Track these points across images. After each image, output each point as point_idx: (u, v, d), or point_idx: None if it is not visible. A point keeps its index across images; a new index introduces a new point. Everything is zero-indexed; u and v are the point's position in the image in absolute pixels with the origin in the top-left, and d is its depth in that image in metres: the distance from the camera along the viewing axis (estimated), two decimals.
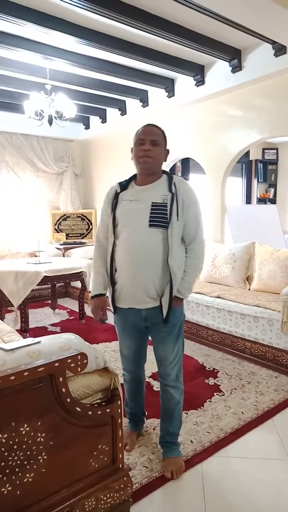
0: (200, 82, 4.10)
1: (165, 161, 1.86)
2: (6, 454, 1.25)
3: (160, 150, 1.79)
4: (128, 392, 2.09)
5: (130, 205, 1.79)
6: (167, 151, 1.86)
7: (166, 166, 5.09)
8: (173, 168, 5.58)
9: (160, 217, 1.73)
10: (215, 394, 2.63)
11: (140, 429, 2.17)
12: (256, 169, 6.62)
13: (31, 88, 4.26)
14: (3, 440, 1.24)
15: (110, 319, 1.99)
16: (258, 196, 6.67)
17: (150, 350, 1.99)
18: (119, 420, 1.56)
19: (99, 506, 1.50)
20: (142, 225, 1.74)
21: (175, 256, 1.74)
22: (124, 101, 5.09)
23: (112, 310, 1.92)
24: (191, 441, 2.11)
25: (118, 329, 1.99)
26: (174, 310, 1.80)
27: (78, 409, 1.42)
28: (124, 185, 1.87)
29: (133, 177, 1.90)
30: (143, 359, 2.05)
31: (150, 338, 1.96)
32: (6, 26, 3.10)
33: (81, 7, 2.74)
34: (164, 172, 1.87)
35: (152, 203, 1.75)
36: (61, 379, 1.35)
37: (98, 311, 1.92)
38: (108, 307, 1.94)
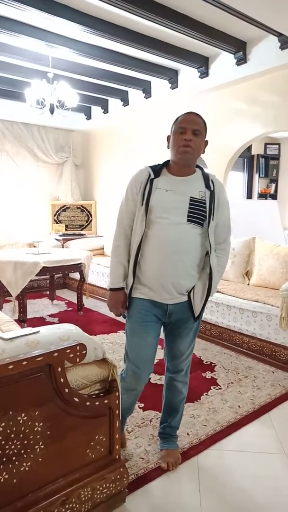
0: (204, 74, 4.05)
1: (204, 152, 1.76)
2: (3, 442, 1.25)
3: (201, 141, 1.69)
4: (128, 403, 1.86)
5: (167, 195, 1.66)
6: (206, 142, 1.75)
7: (168, 159, 5.07)
8: None
9: (198, 213, 1.65)
10: (212, 387, 2.64)
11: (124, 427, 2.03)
12: (258, 164, 6.58)
13: (33, 76, 4.20)
14: (1, 429, 1.24)
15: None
16: (259, 191, 6.65)
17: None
18: (117, 411, 1.56)
19: (95, 496, 1.51)
20: (180, 219, 1.64)
21: (214, 255, 1.72)
22: (127, 91, 5.03)
23: (127, 303, 1.76)
24: (188, 434, 2.11)
25: (135, 325, 1.75)
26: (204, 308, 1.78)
27: (76, 399, 1.41)
28: (157, 171, 1.71)
29: (165, 163, 1.76)
30: (153, 360, 1.82)
31: (163, 334, 1.87)
32: (9, 11, 3.04)
33: None
34: (197, 166, 1.77)
35: (191, 197, 1.66)
36: (59, 369, 1.35)
37: (119, 305, 1.77)
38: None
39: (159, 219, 1.65)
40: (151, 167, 1.74)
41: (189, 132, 1.64)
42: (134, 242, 1.70)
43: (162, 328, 1.84)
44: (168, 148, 1.73)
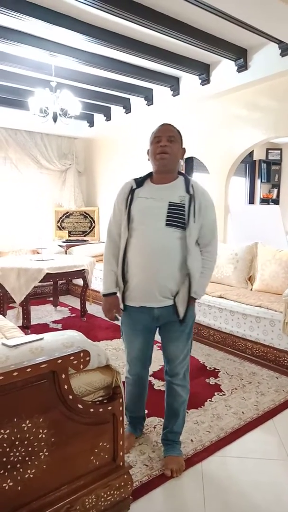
0: (205, 81, 4.09)
1: (182, 159, 1.87)
2: (7, 449, 1.26)
3: (177, 147, 1.80)
4: (131, 395, 2.04)
5: (147, 202, 1.77)
6: (184, 150, 1.87)
7: None
8: None
9: (177, 217, 1.72)
10: (215, 393, 2.63)
11: (139, 432, 2.14)
12: (260, 169, 6.59)
13: (36, 84, 4.25)
14: (5, 436, 1.25)
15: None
16: (261, 197, 6.65)
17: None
18: (121, 418, 1.56)
19: (99, 503, 1.51)
20: (158, 224, 1.72)
21: (194, 257, 1.75)
22: (129, 99, 5.08)
23: (122, 308, 1.88)
24: (191, 440, 2.11)
25: (126, 329, 1.92)
26: (189, 309, 1.80)
27: (80, 406, 1.42)
28: (139, 182, 1.84)
29: (149, 175, 1.88)
30: (150, 360, 2.01)
31: (159, 337, 1.94)
32: (11, 21, 3.09)
33: (87, 4, 2.73)
34: (180, 173, 1.87)
35: (170, 202, 1.74)
36: (63, 376, 1.36)
37: (112, 309, 1.89)
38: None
39: (140, 225, 1.76)
40: (135, 179, 1.87)
41: (164, 139, 1.76)
42: (120, 249, 1.81)
43: (158, 332, 1.92)
44: (149, 160, 1.84)
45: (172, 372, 1.91)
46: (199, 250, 1.82)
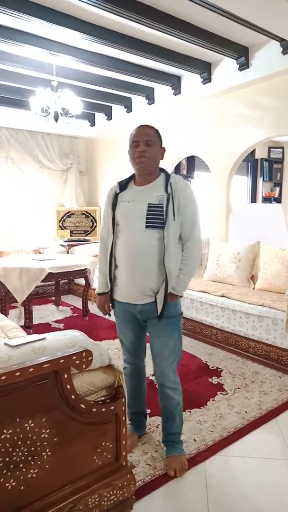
0: (207, 79, 4.07)
1: (162, 159, 1.90)
2: (10, 449, 1.26)
3: (155, 149, 1.83)
4: (129, 388, 2.07)
5: (128, 206, 1.84)
6: (163, 149, 1.90)
7: (172, 164, 5.09)
8: (178, 166, 5.56)
9: (156, 218, 1.77)
10: (218, 393, 2.63)
11: (141, 431, 2.15)
12: (262, 167, 6.58)
13: (37, 84, 4.25)
14: (8, 436, 1.25)
15: (111, 316, 2.02)
16: (263, 195, 6.64)
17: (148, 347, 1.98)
18: (123, 418, 1.56)
19: (102, 503, 1.51)
20: (139, 227, 1.78)
21: (171, 256, 1.78)
22: (130, 98, 5.07)
23: (111, 303, 1.99)
24: (194, 440, 2.11)
25: (117, 322, 2.04)
26: (169, 305, 1.82)
27: (82, 406, 1.42)
28: (123, 185, 1.91)
29: (133, 176, 1.93)
30: (143, 351, 2.07)
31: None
32: (12, 21, 3.09)
33: (88, 3, 2.73)
34: (162, 170, 1.89)
35: (149, 204, 1.79)
36: (66, 375, 1.35)
37: (104, 306, 2.02)
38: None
39: (122, 228, 1.85)
40: (119, 182, 1.94)
41: (142, 144, 1.80)
42: (108, 250, 1.91)
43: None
44: (129, 161, 1.88)
45: (160, 373, 1.92)
46: (180, 247, 1.84)
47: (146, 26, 3.04)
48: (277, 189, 6.80)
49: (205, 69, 4.02)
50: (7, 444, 1.25)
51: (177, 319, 1.91)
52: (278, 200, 6.75)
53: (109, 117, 5.53)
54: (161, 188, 1.81)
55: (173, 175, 1.86)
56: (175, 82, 4.37)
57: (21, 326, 3.01)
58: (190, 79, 4.26)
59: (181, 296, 1.91)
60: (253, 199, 6.66)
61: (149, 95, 4.73)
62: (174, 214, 1.76)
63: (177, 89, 4.40)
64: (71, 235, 6.18)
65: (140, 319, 1.92)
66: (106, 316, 2.10)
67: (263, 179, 6.60)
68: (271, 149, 6.69)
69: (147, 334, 1.98)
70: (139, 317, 1.91)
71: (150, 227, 1.77)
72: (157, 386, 1.99)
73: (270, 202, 6.59)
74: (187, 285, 1.88)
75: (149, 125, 1.87)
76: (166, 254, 1.76)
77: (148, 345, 2.02)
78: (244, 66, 3.71)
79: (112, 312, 2.04)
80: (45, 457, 1.35)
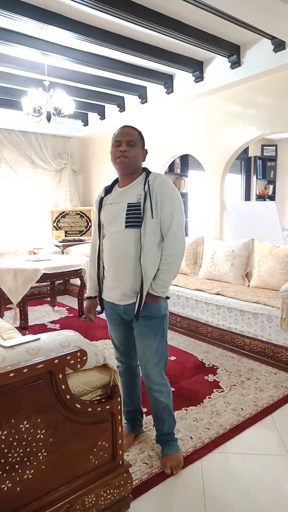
0: (199, 78, 4.08)
1: (144, 160, 1.90)
2: (5, 451, 1.25)
3: (137, 150, 1.83)
4: (124, 387, 2.05)
5: (111, 208, 1.86)
6: (145, 151, 1.91)
7: (165, 163, 5.10)
8: (172, 165, 5.56)
9: (134, 217, 1.77)
10: (214, 390, 2.64)
11: (138, 430, 2.14)
12: (255, 165, 6.60)
13: (29, 84, 4.23)
14: (3, 437, 1.24)
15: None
16: (257, 193, 6.66)
17: None
18: (119, 417, 1.56)
19: (99, 502, 1.51)
20: (119, 227, 1.80)
21: (148, 255, 1.76)
22: (123, 97, 5.07)
23: (99, 302, 2.01)
24: (191, 438, 2.11)
25: (107, 320, 2.06)
26: (148, 306, 1.78)
27: (77, 405, 1.42)
28: (108, 189, 1.94)
29: (117, 180, 1.95)
30: (134, 350, 2.02)
31: None
32: (3, 21, 3.08)
33: (79, 3, 2.72)
34: (144, 169, 1.89)
35: (128, 204, 1.79)
36: (60, 376, 1.35)
37: (89, 311, 2.07)
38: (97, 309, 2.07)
39: (105, 231, 1.88)
40: (105, 187, 1.97)
41: (124, 144, 1.80)
42: (96, 252, 1.96)
43: None
44: (111, 161, 1.89)
45: (145, 374, 1.91)
46: (161, 247, 1.80)
47: (138, 25, 3.04)
48: (271, 186, 6.83)
49: (197, 68, 4.03)
50: (2, 446, 1.24)
51: (160, 321, 1.86)
52: (272, 197, 6.78)
53: (102, 117, 5.53)
54: (140, 187, 1.81)
55: (152, 172, 1.85)
56: (167, 81, 4.37)
57: (16, 327, 3.00)
58: (182, 77, 4.26)
59: (167, 298, 1.89)
60: (247, 197, 6.68)
61: (142, 94, 4.73)
62: (152, 212, 1.75)
63: (169, 88, 4.40)
64: (66, 235, 6.17)
65: (125, 318, 1.92)
66: (88, 320, 2.11)
67: (257, 177, 6.62)
68: (264, 147, 6.72)
69: None
70: (124, 316, 1.91)
71: (129, 227, 1.77)
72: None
73: (264, 200, 6.61)
74: (167, 285, 1.81)
75: (132, 126, 1.88)
76: (142, 253, 1.75)
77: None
78: (236, 64, 3.72)
79: (94, 318, 2.07)
80: (41, 457, 1.35)
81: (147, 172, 1.87)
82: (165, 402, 1.93)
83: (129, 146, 1.80)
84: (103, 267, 1.93)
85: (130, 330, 1.96)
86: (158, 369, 1.89)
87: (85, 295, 2.10)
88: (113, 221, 1.83)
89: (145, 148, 1.91)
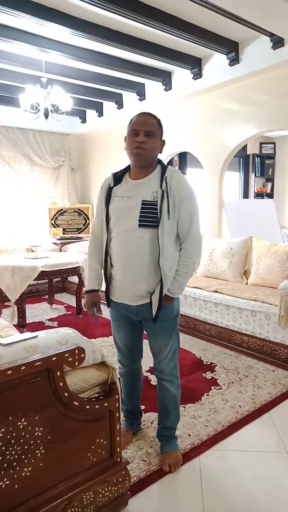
0: (198, 75, 4.06)
1: (161, 152, 1.77)
2: (3, 448, 1.25)
3: (155, 141, 1.69)
4: (124, 387, 2.05)
5: (122, 202, 1.72)
6: (163, 142, 1.76)
7: (163, 160, 5.06)
8: (170, 162, 5.54)
9: (150, 216, 1.66)
10: (212, 387, 2.64)
11: (136, 427, 2.14)
12: (254, 163, 6.59)
13: (27, 81, 4.21)
14: (1, 435, 1.24)
15: (106, 313, 1.98)
16: (256, 191, 6.66)
17: (145, 344, 1.98)
18: (117, 414, 1.56)
19: (97, 499, 1.51)
20: (132, 225, 1.68)
21: (167, 257, 1.68)
22: (121, 94, 5.05)
23: (106, 303, 1.91)
24: (189, 435, 2.11)
25: (112, 322, 1.97)
26: (164, 307, 1.74)
27: (75, 403, 1.41)
28: (118, 178, 1.79)
29: (128, 168, 1.81)
30: (138, 353, 2.01)
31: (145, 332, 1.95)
32: (1, 17, 3.05)
33: None
34: (159, 162, 1.77)
35: (143, 201, 1.67)
36: (58, 373, 1.35)
37: (91, 306, 1.93)
38: (102, 301, 1.92)
39: (115, 226, 1.74)
40: (114, 173, 1.81)
41: (142, 134, 1.66)
42: (103, 247, 1.82)
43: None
44: (125, 150, 1.76)
45: (158, 368, 1.91)
46: (177, 246, 1.75)
47: (136, 21, 3.02)
48: (269, 184, 6.83)
49: (195, 65, 4.01)
50: (0, 443, 1.24)
51: (173, 320, 1.85)
52: (270, 195, 6.77)
53: (100, 114, 5.51)
54: (156, 183, 1.69)
55: (169, 168, 1.74)
56: (165, 78, 4.35)
57: (14, 325, 2.99)
58: (180, 74, 4.25)
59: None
60: (245, 195, 6.67)
61: (140, 91, 4.71)
62: (169, 212, 1.65)
63: (168, 85, 4.39)
64: (63, 233, 6.15)
65: (136, 320, 1.85)
66: (94, 317, 1.96)
67: (255, 175, 6.61)
68: (263, 145, 6.71)
69: (145, 333, 1.94)
70: (134, 318, 1.84)
71: (143, 226, 1.66)
72: (155, 378, 1.99)
73: (262, 198, 6.61)
74: (183, 286, 1.78)
75: (151, 113, 1.72)
76: (161, 255, 1.66)
77: (145, 341, 1.98)
78: (234, 61, 3.71)
79: (102, 313, 1.94)
80: (39, 455, 1.34)
81: (162, 166, 1.74)
82: (174, 393, 1.92)
83: (147, 137, 1.65)
84: (111, 264, 1.80)
85: (137, 332, 1.91)
86: (173, 362, 1.90)
87: (85, 289, 1.94)
88: (123, 218, 1.71)
89: (163, 139, 1.76)
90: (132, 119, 1.73)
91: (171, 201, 1.67)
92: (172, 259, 1.73)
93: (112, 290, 1.84)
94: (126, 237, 1.71)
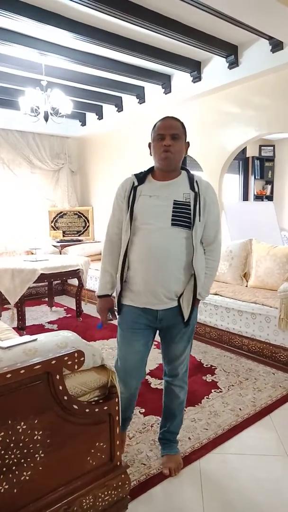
0: (197, 78, 4.08)
1: (186, 154, 1.79)
2: (2, 452, 1.24)
3: (181, 144, 1.69)
4: (122, 404, 1.84)
5: (150, 201, 1.69)
6: (188, 144, 1.76)
7: None
8: None
9: (183, 216, 1.65)
10: (212, 391, 2.63)
11: (127, 427, 2.02)
12: (253, 166, 6.61)
13: (27, 84, 4.22)
14: (0, 439, 1.23)
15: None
16: (255, 193, 6.66)
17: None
18: (117, 418, 1.55)
19: (97, 503, 1.50)
20: (164, 224, 1.65)
21: (199, 258, 1.70)
22: (121, 97, 5.06)
23: (117, 309, 1.80)
24: (189, 438, 2.11)
25: (124, 332, 1.79)
26: (193, 311, 1.75)
27: (75, 406, 1.41)
28: (141, 178, 1.75)
29: (150, 170, 1.79)
30: (144, 368, 1.85)
31: (159, 338, 1.87)
32: (1, 20, 3.07)
33: (77, 2, 2.72)
34: (182, 168, 1.78)
35: (174, 201, 1.66)
36: (58, 376, 1.34)
37: (105, 312, 1.85)
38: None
39: (144, 225, 1.67)
40: (136, 174, 1.77)
41: (168, 138, 1.66)
42: (122, 249, 1.73)
43: (158, 332, 1.85)
44: (151, 155, 1.75)
45: (172, 373, 1.88)
46: (203, 249, 1.77)
47: (136, 25, 3.04)
48: (269, 187, 6.83)
49: (195, 68, 4.03)
50: None
51: (194, 324, 1.84)
52: (270, 198, 6.78)
53: (100, 117, 5.52)
54: (185, 186, 1.70)
55: (193, 173, 1.77)
56: (165, 81, 4.37)
57: (14, 328, 2.99)
58: (180, 78, 4.26)
59: None
60: (245, 197, 6.68)
61: (140, 94, 4.73)
62: (200, 215, 1.67)
63: (167, 88, 4.40)
64: (63, 236, 6.16)
65: (155, 326, 1.77)
66: (108, 322, 1.85)
67: (255, 177, 6.62)
68: (262, 147, 6.72)
69: (160, 341, 1.87)
70: (156, 324, 1.76)
71: (176, 225, 1.64)
72: (163, 382, 1.94)
73: (262, 200, 6.62)
74: (209, 290, 1.83)
75: (175, 117, 1.72)
76: (195, 255, 1.66)
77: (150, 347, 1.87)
78: (233, 64, 3.73)
79: (116, 318, 1.83)
80: (38, 459, 1.34)
81: (187, 170, 1.77)
82: (182, 398, 1.91)
83: (173, 140, 1.65)
84: (128, 267, 1.72)
85: (151, 342, 1.83)
86: (186, 366, 1.89)
87: (97, 293, 1.84)
88: (154, 216, 1.66)
89: (187, 141, 1.76)
90: (156, 124, 1.72)
91: (202, 203, 1.70)
92: (202, 261, 1.75)
93: (129, 295, 1.75)
94: (157, 236, 1.65)
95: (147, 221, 1.67)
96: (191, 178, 1.73)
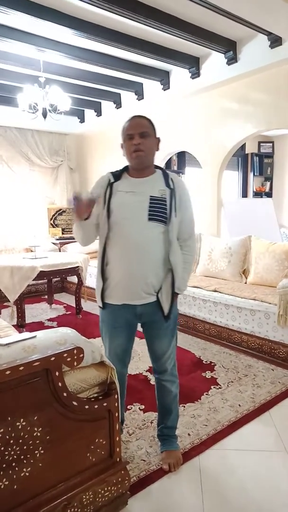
0: (196, 74, 4.06)
1: (158, 150, 1.80)
2: (2, 449, 1.25)
3: (151, 140, 1.73)
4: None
5: (126, 196, 1.72)
6: (158, 140, 1.79)
7: (162, 160, 5.08)
8: (168, 162, 5.55)
9: (159, 211, 1.69)
10: (212, 387, 2.64)
11: (122, 422, 2.03)
12: (252, 162, 6.60)
13: (25, 80, 4.20)
14: (0, 435, 1.24)
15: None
16: (254, 190, 6.66)
17: (144, 344, 1.97)
18: (116, 414, 1.56)
19: (97, 499, 1.50)
20: (140, 218, 1.68)
21: (176, 252, 1.74)
22: (119, 94, 5.04)
23: (101, 305, 1.81)
24: (189, 434, 2.11)
25: (107, 327, 1.83)
26: (173, 305, 1.79)
27: (74, 403, 1.41)
28: (117, 175, 1.79)
29: (125, 169, 1.83)
30: (129, 357, 1.92)
31: (143, 333, 1.90)
32: None
33: None
34: (156, 166, 1.83)
35: (151, 196, 1.70)
36: (57, 373, 1.35)
37: (83, 209, 1.60)
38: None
39: (120, 220, 1.70)
40: (112, 172, 1.81)
41: (137, 137, 1.70)
42: (99, 246, 1.77)
43: (142, 330, 1.89)
44: (124, 156, 1.79)
45: (160, 369, 1.90)
46: (178, 245, 1.79)
47: (134, 20, 3.02)
48: (268, 183, 6.83)
49: (193, 64, 4.01)
50: None
51: (176, 318, 1.88)
52: (269, 194, 6.78)
53: (99, 113, 5.50)
54: (161, 182, 1.75)
55: (169, 171, 1.83)
56: (164, 77, 4.35)
57: (13, 325, 2.99)
58: (179, 74, 4.24)
59: None
60: (244, 194, 6.68)
61: (138, 91, 4.71)
62: (175, 210, 1.72)
63: (166, 84, 4.38)
64: (63, 233, 6.14)
65: (136, 321, 1.81)
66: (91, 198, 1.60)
67: (254, 174, 6.62)
68: (261, 144, 6.71)
69: (145, 339, 1.89)
70: (136, 320, 1.80)
71: (152, 220, 1.68)
72: (154, 379, 1.96)
73: (261, 197, 6.61)
74: (187, 283, 1.87)
75: (141, 115, 1.76)
76: (171, 250, 1.71)
77: (139, 342, 1.95)
78: (232, 60, 3.71)
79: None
80: (38, 455, 1.34)
81: (161, 168, 1.83)
82: (175, 392, 1.94)
83: (142, 138, 1.69)
84: (107, 263, 1.74)
85: (133, 336, 1.88)
86: (174, 362, 1.91)
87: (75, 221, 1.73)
88: (130, 211, 1.69)
89: (157, 136, 1.79)
90: (124, 126, 1.75)
91: (177, 200, 1.75)
92: (179, 255, 1.77)
93: (109, 292, 1.76)
94: (134, 230, 1.68)
95: (124, 216, 1.70)
96: (166, 176, 1.78)
